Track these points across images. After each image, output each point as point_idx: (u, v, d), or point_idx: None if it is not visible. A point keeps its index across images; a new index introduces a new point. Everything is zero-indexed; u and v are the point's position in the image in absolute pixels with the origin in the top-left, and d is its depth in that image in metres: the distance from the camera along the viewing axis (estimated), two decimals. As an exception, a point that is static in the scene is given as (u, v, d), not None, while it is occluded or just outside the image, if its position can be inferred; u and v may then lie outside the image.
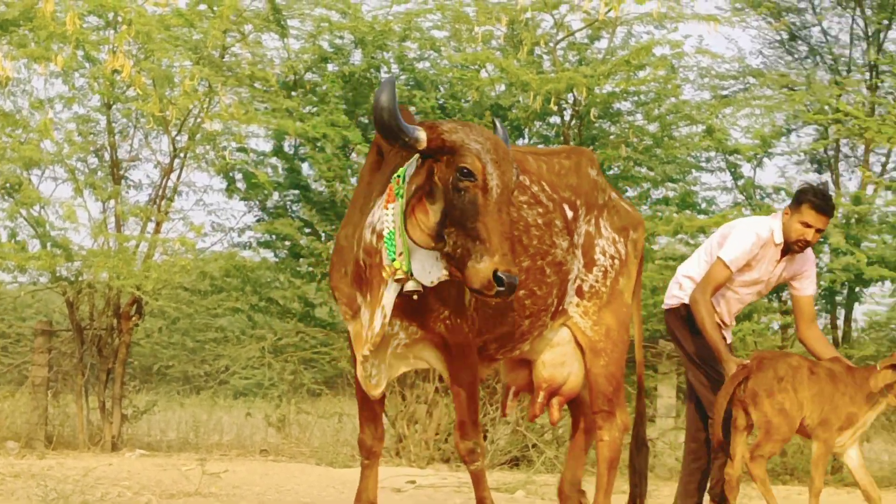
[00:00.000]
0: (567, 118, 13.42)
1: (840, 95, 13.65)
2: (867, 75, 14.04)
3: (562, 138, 13.42)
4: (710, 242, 8.12)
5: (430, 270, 5.78)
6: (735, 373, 7.61)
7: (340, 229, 6.19)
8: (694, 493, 8.09)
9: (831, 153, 13.95)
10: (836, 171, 13.90)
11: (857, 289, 13.18)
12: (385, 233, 5.79)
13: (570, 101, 13.23)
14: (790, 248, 7.94)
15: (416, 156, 5.75)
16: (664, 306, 8.14)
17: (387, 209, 5.80)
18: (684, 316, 7.98)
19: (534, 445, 11.90)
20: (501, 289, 5.51)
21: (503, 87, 13.31)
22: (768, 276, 8.01)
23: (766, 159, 13.79)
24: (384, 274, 5.82)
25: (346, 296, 6.14)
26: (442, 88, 13.43)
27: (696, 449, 8.12)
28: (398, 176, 5.78)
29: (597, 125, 13.45)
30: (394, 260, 5.76)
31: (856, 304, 13.52)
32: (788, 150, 13.98)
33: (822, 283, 12.77)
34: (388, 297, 5.89)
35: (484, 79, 13.07)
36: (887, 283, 13.05)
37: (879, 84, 13.96)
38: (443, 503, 7.66)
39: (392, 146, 5.78)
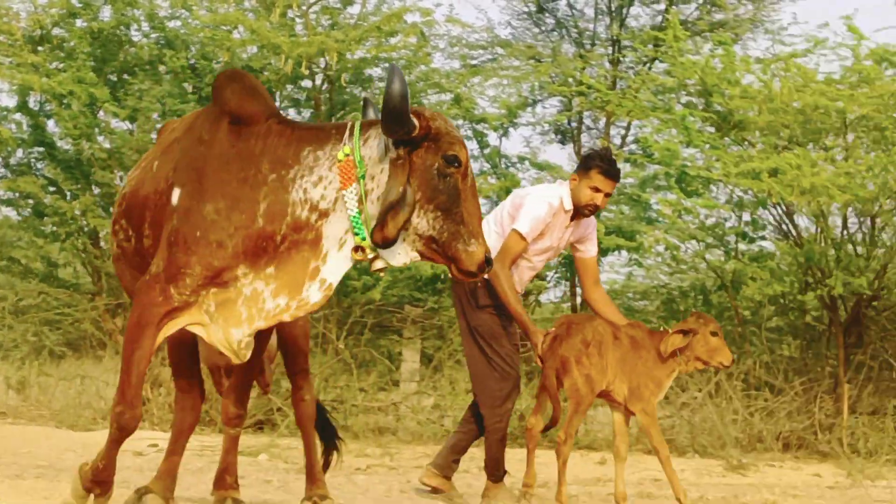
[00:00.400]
0: (318, 83, 13.45)
1: (584, 68, 14.05)
2: (609, 50, 14.47)
3: (313, 102, 13.46)
4: (499, 213, 8.25)
5: (399, 252, 5.97)
6: (549, 344, 7.79)
7: (195, 202, 6.06)
8: (460, 450, 8.44)
9: (574, 125, 14.35)
10: (578, 142, 14.30)
11: (597, 258, 13.58)
12: (351, 213, 5.92)
13: (322, 66, 13.26)
14: (580, 213, 8.16)
15: (356, 134, 5.96)
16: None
17: (346, 190, 5.92)
18: (471, 289, 8.09)
19: (278, 409, 11.95)
20: (489, 268, 5.90)
21: (255, 49, 13.25)
22: (558, 242, 8.23)
23: (511, 129, 14.07)
24: (357, 255, 5.95)
25: (208, 268, 6.02)
26: (193, 48, 13.30)
27: (469, 417, 8.43)
28: (347, 155, 5.93)
29: (348, 90, 13.51)
30: (364, 240, 5.91)
31: (593, 272, 13.91)
32: (534, 121, 14.35)
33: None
34: (338, 273, 6.03)
35: (235, 40, 12.99)
36: (623, 253, 13.50)
37: (621, 59, 14.43)
38: (183, 466, 7.67)
39: (392, 133, 5.83)
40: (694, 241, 13.15)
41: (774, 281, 12.04)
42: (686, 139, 12.56)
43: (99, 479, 6.17)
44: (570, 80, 13.79)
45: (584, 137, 14.42)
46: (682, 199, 12.57)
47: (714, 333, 7.89)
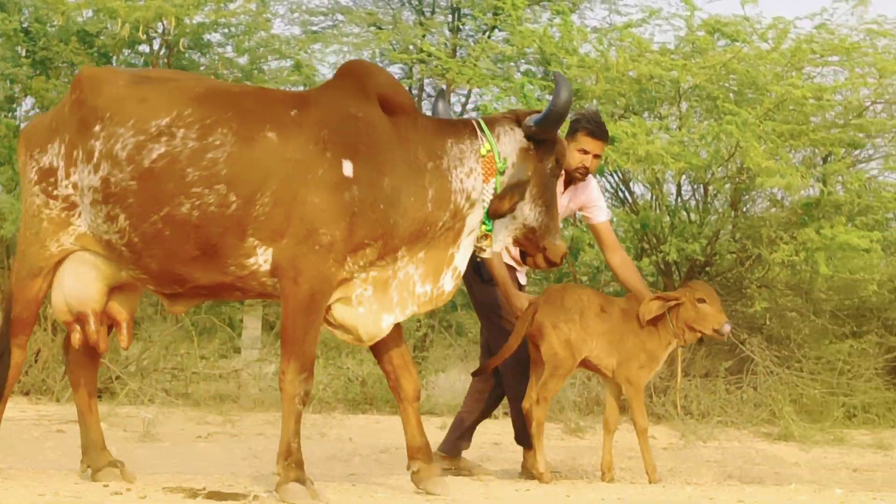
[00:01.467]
0: (157, 47, 13.29)
1: (424, 36, 14.11)
2: (450, 18, 14.54)
3: (150, 66, 13.29)
4: None
5: (501, 238, 6.66)
6: (525, 309, 7.70)
7: (374, 175, 6.30)
8: (466, 429, 8.31)
9: (416, 92, 14.38)
10: (419, 109, 14.34)
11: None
12: (486, 205, 6.49)
13: (160, 31, 13.10)
14: (572, 178, 8.03)
15: (486, 132, 6.53)
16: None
17: (487, 183, 6.49)
18: (475, 265, 7.88)
19: (117, 377, 11.83)
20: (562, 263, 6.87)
21: (90, 13, 13.02)
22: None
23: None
24: (484, 242, 6.58)
25: (386, 242, 6.32)
26: (27, 11, 13.01)
27: (482, 389, 8.29)
28: (489, 151, 6.50)
29: (186, 56, 13.37)
30: (490, 230, 6.57)
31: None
32: (374, 88, 14.28)
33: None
34: (465, 260, 6.58)
35: (70, 3, 12.73)
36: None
37: (461, 26, 14.51)
38: (19, 435, 7.58)
39: (544, 134, 6.50)
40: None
41: (613, 247, 12.24)
42: (525, 107, 12.68)
43: (298, 459, 6.27)
44: (411, 47, 13.86)
45: (426, 105, 14.47)
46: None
47: (701, 300, 7.75)
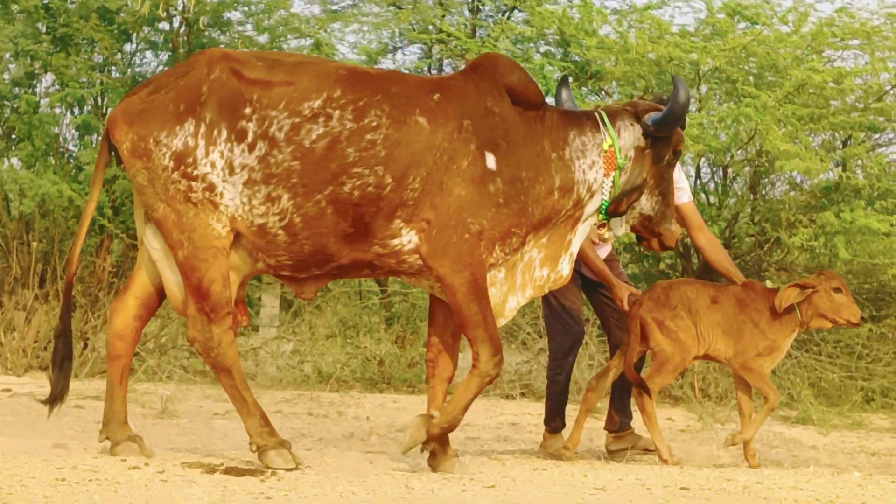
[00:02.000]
0: (176, 25, 13.28)
1: (444, 16, 14.07)
2: (469, -2, 14.50)
3: (171, 45, 13.29)
4: None
5: (620, 225, 7.05)
6: (631, 307, 7.74)
7: (512, 168, 6.66)
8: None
9: (434, 72, 14.36)
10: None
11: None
12: (605, 198, 6.87)
13: (180, 9, 13.09)
14: None
15: (608, 127, 6.89)
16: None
17: (608, 177, 6.85)
18: None
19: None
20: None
21: (111, -10, 13.02)
22: None
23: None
24: (603, 231, 7.01)
25: (527, 231, 6.74)
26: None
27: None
28: (610, 146, 6.85)
29: (206, 33, 13.36)
30: (605, 219, 6.98)
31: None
32: (394, 68, 14.29)
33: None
34: (578, 246, 7.00)
35: (91, -20, 12.75)
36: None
37: (481, 7, 14.46)
38: (39, 411, 7.61)
39: (662, 132, 6.86)
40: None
41: (629, 229, 12.23)
42: (545, 88, 12.65)
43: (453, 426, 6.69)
44: (431, 27, 13.82)
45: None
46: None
47: (837, 290, 7.76)
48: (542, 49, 13.50)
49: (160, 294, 6.82)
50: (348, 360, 12.31)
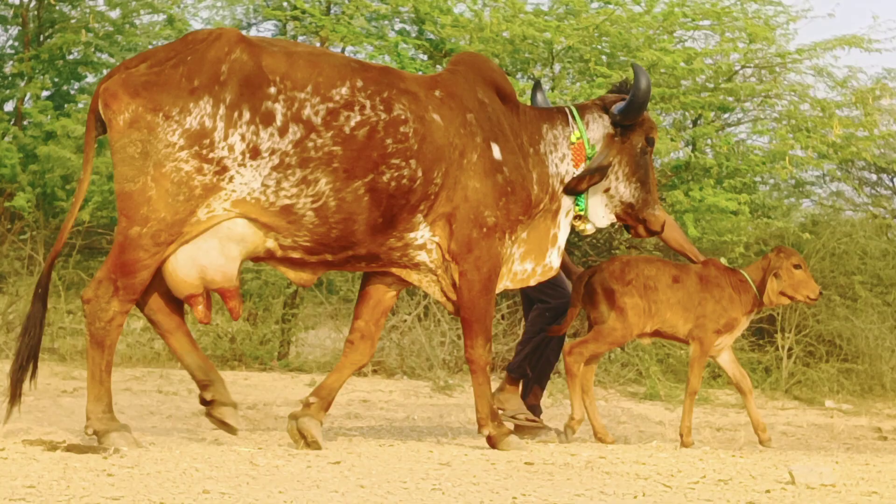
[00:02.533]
0: (26, 0, 13.01)
1: (299, -7, 13.98)
2: (325, -26, 14.40)
3: (20, 20, 13.02)
4: None
5: (603, 215, 7.26)
6: (582, 273, 7.83)
7: (513, 157, 6.92)
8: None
9: (289, 49, 14.22)
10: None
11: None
12: None
13: (29, -18, 12.84)
14: None
15: (577, 120, 7.18)
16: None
17: (577, 168, 7.12)
18: None
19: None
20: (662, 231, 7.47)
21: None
22: None
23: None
24: (578, 223, 7.22)
25: (524, 220, 6.99)
26: None
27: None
28: (578, 138, 7.13)
29: (57, 8, 13.11)
30: (583, 211, 7.18)
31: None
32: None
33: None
34: (565, 238, 7.21)
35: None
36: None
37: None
38: None
39: (628, 121, 7.15)
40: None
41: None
42: (399, 66, 12.66)
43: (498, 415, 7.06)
44: (285, 3, 13.71)
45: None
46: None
47: (797, 266, 7.90)
48: (398, 27, 13.51)
49: None
50: (199, 337, 12.20)
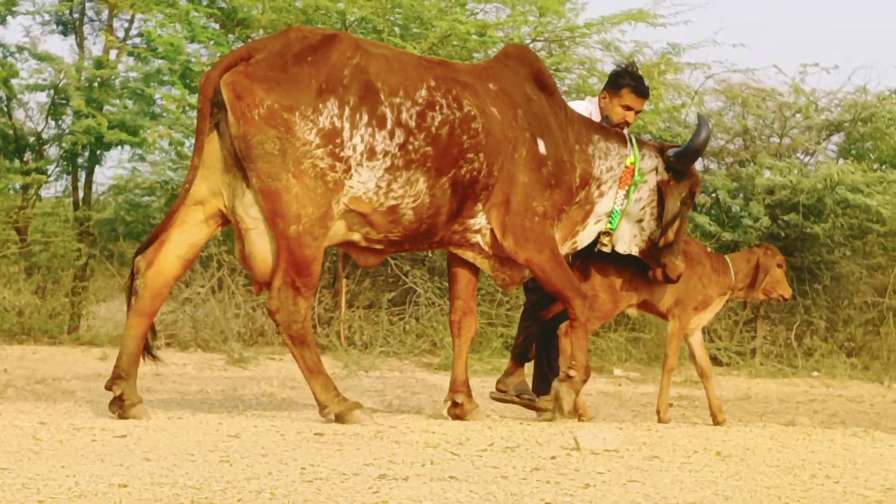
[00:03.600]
0: None
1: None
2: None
3: None
4: None
5: (627, 242, 7.64)
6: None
7: (556, 151, 7.31)
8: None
9: (76, 16, 13.93)
10: (80, 33, 13.91)
11: (98, 152, 13.35)
12: (618, 208, 7.52)
13: None
14: None
15: (635, 147, 7.57)
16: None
17: (623, 189, 7.51)
18: None
19: None
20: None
21: None
22: None
23: (10, 17, 13.51)
24: (605, 238, 7.59)
25: (567, 209, 7.40)
26: None
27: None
28: (632, 163, 7.50)
29: None
30: (613, 229, 7.56)
31: (97, 167, 13.69)
32: (34, 10, 13.79)
33: (64, 145, 12.85)
34: (586, 242, 7.60)
35: None
36: (127, 148, 13.31)
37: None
38: None
39: (683, 165, 7.59)
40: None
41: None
42: (190, 35, 12.50)
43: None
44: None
45: (87, 29, 13.98)
46: (187, 95, 12.52)
47: (779, 266, 8.12)
48: (189, -5, 13.29)
49: (197, 255, 7.07)
50: (-17, 311, 11.92)
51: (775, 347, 13.75)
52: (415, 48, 11.81)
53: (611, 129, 7.72)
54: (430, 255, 12.98)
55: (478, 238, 7.22)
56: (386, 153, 6.76)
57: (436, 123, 6.87)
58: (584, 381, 7.44)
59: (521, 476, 5.22)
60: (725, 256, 8.28)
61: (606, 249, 7.63)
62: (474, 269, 7.45)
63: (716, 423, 8.06)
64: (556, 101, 7.47)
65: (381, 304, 12.57)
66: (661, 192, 7.59)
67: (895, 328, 14.04)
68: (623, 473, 5.40)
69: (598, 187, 7.52)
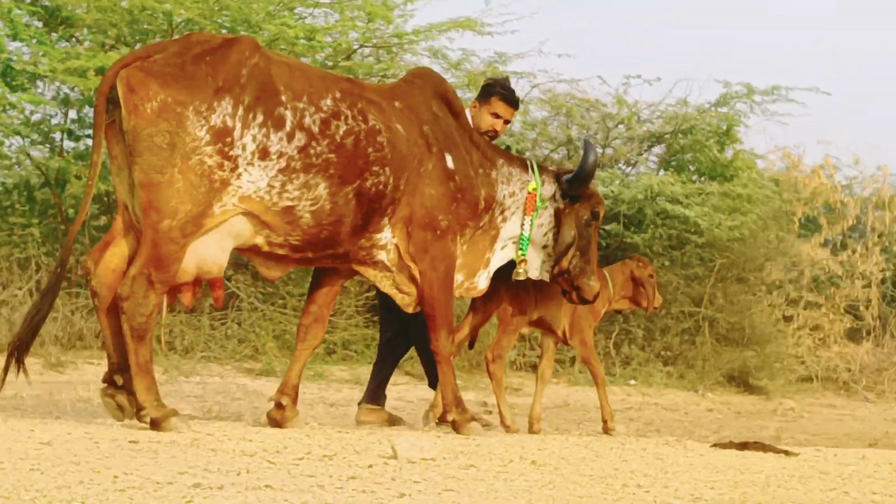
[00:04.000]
0: None
1: None
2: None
3: None
4: None
5: (537, 268, 7.83)
6: None
7: (463, 167, 7.53)
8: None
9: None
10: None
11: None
12: (525, 234, 7.73)
13: None
14: None
15: (536, 174, 7.76)
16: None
17: (528, 216, 7.70)
18: None
19: None
20: (593, 302, 7.95)
21: None
22: None
23: None
24: (521, 266, 7.75)
25: (471, 226, 7.61)
26: None
27: (390, 339, 8.49)
28: (534, 189, 7.69)
29: None
30: (524, 255, 7.74)
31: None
32: None
33: None
34: (496, 266, 7.78)
35: None
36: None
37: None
38: None
39: (576, 191, 7.74)
40: (18, 137, 12.84)
41: (98, 179, 11.94)
42: (12, 32, 12.25)
43: (462, 402, 7.59)
44: None
45: None
46: (8, 94, 12.27)
47: (651, 276, 8.34)
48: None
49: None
50: None
51: (593, 356, 13.96)
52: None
53: (513, 155, 7.97)
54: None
55: (382, 255, 7.36)
56: (282, 154, 6.83)
57: (340, 132, 7.01)
58: (464, 412, 7.53)
59: (338, 485, 5.23)
60: (604, 270, 8.47)
61: (521, 277, 7.78)
62: (340, 282, 7.60)
63: (531, 431, 8.21)
64: (462, 123, 7.67)
65: (202, 309, 12.46)
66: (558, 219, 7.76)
67: (710, 338, 14.39)
68: (439, 482, 5.45)
69: (502, 212, 7.70)
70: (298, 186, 6.89)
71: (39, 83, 12.61)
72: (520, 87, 14.16)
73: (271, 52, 7.16)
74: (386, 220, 7.23)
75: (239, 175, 6.74)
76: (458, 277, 7.62)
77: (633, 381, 13.54)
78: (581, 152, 7.92)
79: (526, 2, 15.36)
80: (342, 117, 7.03)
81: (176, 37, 12.38)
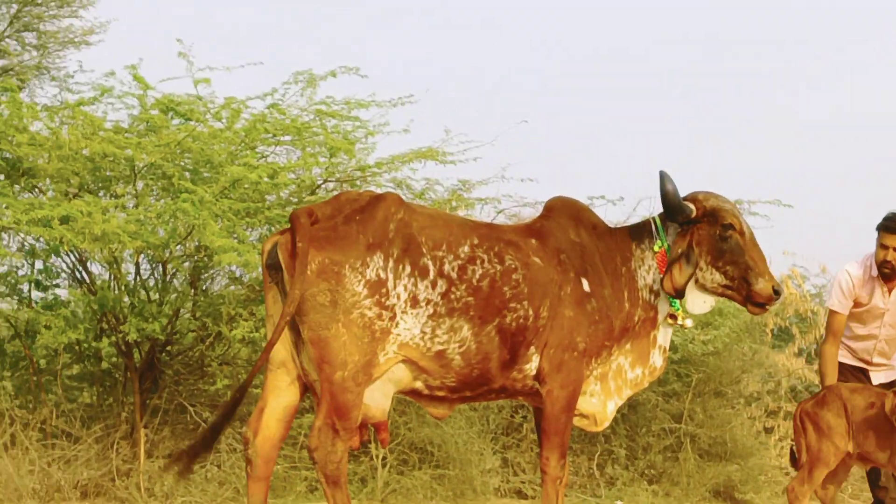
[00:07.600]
0: None
1: None
2: None
3: None
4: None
5: (703, 302, 7.98)
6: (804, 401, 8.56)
7: (599, 288, 7.79)
8: None
9: None
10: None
11: None
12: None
13: None
14: (885, 276, 8.84)
15: (661, 232, 7.90)
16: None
17: (664, 274, 7.83)
18: None
19: None
20: (777, 297, 7.92)
21: None
22: (885, 307, 8.94)
23: None
24: (671, 321, 7.92)
25: (611, 345, 7.81)
26: None
27: None
28: (661, 247, 7.88)
29: None
30: (678, 309, 7.90)
31: None
32: None
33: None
34: (667, 338, 7.99)
35: None
36: None
37: None
38: None
39: (674, 220, 7.88)
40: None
41: (69, 329, 11.90)
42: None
43: None
44: None
45: None
46: (-28, 249, 12.20)
47: None
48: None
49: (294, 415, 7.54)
50: None
51: (578, 478, 13.86)
52: (206, 191, 11.75)
53: (641, 227, 8.09)
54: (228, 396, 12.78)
55: (532, 381, 7.64)
56: (429, 301, 7.32)
57: (476, 276, 7.45)
58: None
59: None
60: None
61: (688, 326, 7.98)
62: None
63: None
64: (603, 234, 7.96)
65: (181, 453, 12.26)
66: (690, 244, 7.90)
67: (693, 453, 14.31)
68: None
69: (650, 290, 7.93)
70: (446, 330, 7.35)
71: (4, 235, 12.53)
72: (485, 213, 14.18)
73: (414, 205, 7.69)
74: (533, 349, 7.55)
75: (396, 324, 7.26)
76: (637, 371, 7.89)
77: (619, 502, 13.40)
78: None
79: (486, 129, 15.45)
80: (478, 261, 7.49)
81: (140, 183, 12.53)
